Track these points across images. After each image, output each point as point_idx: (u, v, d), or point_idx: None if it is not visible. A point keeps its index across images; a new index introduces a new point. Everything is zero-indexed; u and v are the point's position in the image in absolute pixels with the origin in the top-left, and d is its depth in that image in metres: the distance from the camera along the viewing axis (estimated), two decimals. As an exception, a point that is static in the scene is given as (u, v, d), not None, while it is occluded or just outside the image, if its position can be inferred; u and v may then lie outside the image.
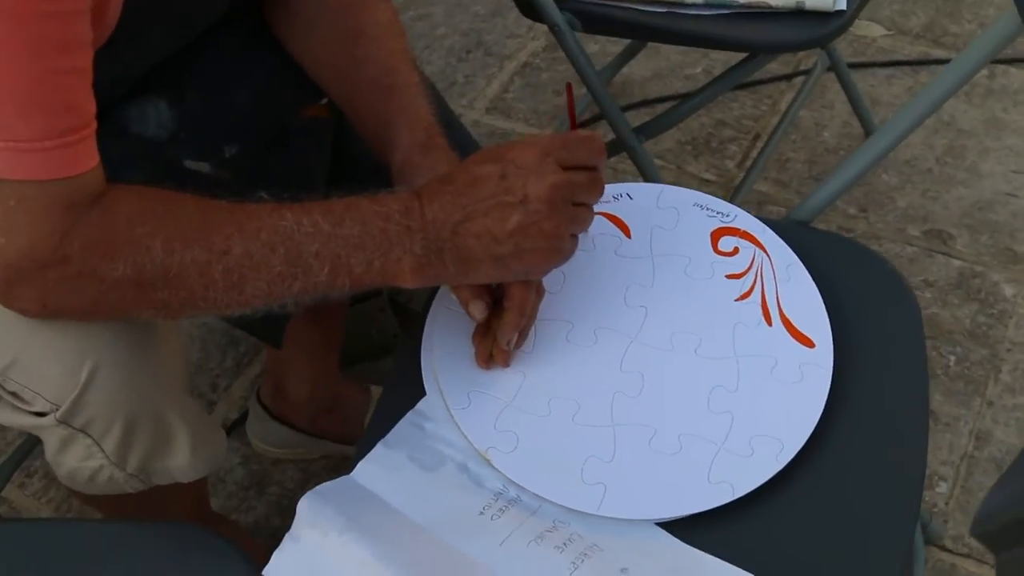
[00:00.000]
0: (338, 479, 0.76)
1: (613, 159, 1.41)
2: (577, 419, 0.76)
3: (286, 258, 0.69)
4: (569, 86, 0.81)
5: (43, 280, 0.68)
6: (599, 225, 0.84)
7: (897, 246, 1.53)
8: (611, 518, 0.71)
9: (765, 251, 0.85)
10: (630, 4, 1.13)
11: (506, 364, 0.79)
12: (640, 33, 1.18)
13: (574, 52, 1.17)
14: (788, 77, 1.82)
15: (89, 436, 0.78)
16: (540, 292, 0.80)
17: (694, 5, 1.11)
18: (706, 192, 0.89)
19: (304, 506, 0.73)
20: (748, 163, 1.66)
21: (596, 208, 0.77)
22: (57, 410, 0.75)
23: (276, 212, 0.70)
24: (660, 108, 1.80)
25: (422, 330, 0.83)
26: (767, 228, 0.86)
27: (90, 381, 0.74)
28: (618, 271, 0.85)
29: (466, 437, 0.76)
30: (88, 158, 0.67)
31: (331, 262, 0.70)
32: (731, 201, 0.88)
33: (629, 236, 0.87)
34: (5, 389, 0.77)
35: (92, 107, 0.68)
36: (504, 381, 0.79)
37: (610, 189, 0.91)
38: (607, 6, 1.14)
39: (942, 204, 1.60)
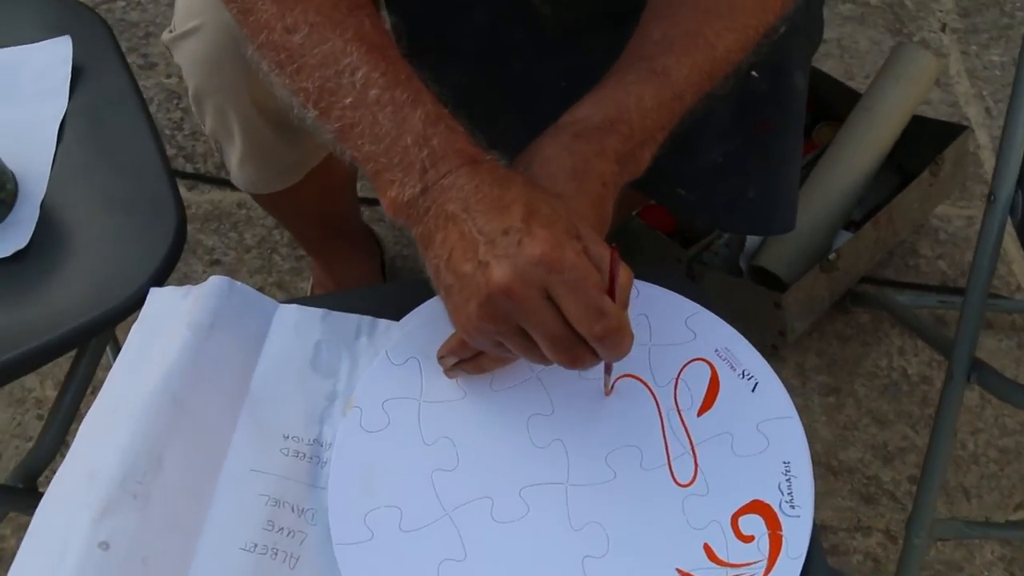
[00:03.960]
0: (262, 296, 0.74)
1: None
2: None
3: (319, 86, 0.63)
4: (615, 250, 0.61)
5: None
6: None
7: None
8: None
9: (770, 571, 0.63)
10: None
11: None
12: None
13: (991, 230, 0.88)
14: None
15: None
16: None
17: None
18: None
19: (213, 282, 0.72)
20: None
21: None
22: (171, 35, 0.80)
23: (354, 42, 0.63)
24: None
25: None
26: (801, 559, 0.63)
27: (186, 35, 0.78)
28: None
29: None
30: None
31: (346, 125, 0.63)
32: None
33: (701, 413, 0.69)
34: None
35: None
36: None
37: (750, 359, 0.72)
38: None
39: None
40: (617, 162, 0.66)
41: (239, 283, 0.73)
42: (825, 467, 1.26)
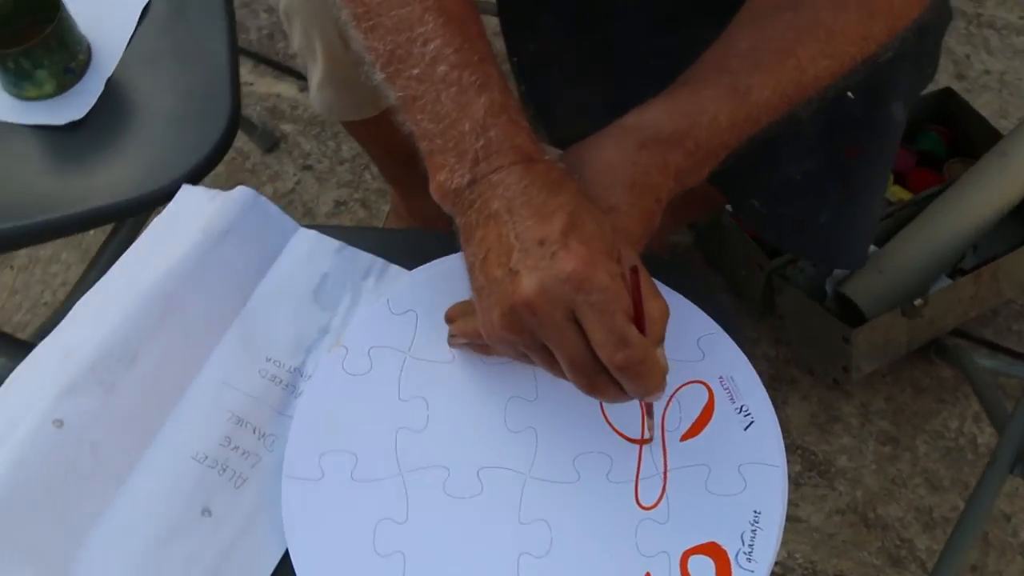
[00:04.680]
0: (284, 216, 0.73)
1: None
2: None
3: (389, 50, 0.61)
4: (635, 273, 0.56)
5: None
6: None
7: None
8: None
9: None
10: None
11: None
12: None
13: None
14: None
15: None
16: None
17: None
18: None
19: (239, 191, 0.73)
20: None
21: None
22: None
23: (433, 11, 0.60)
24: None
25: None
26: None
27: None
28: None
29: None
30: None
31: (409, 96, 0.61)
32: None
33: (685, 439, 0.65)
34: None
35: None
36: (381, 572, 0.61)
37: (754, 395, 0.67)
38: None
39: None
40: (676, 178, 0.62)
41: (264, 198, 0.73)
42: (860, 517, 1.19)
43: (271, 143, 1.60)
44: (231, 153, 1.64)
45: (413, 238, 0.75)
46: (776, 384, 1.29)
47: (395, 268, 0.72)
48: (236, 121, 0.79)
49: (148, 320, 0.65)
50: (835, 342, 1.15)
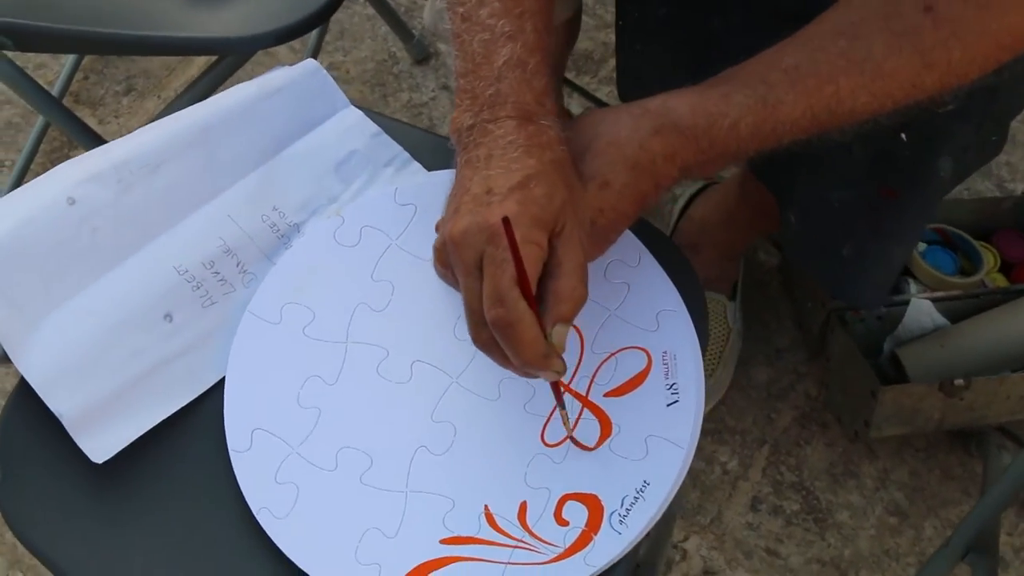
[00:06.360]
0: (338, 91, 0.78)
1: None
2: (366, 479, 0.65)
3: None
4: (507, 224, 0.58)
5: None
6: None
7: None
8: None
9: (557, 562, 0.62)
10: None
11: None
12: None
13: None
14: None
15: None
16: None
17: None
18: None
19: (305, 62, 0.78)
20: None
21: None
22: None
23: None
24: None
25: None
26: (594, 570, 0.62)
27: None
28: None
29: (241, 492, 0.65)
30: None
31: (455, 31, 0.65)
32: None
33: (607, 396, 0.68)
34: None
35: None
36: (295, 420, 0.67)
37: (689, 379, 0.69)
38: None
39: None
40: (681, 169, 0.64)
41: (324, 71, 0.78)
42: (840, 573, 1.17)
43: (423, 56, 1.67)
44: (383, 54, 1.73)
45: (445, 146, 0.79)
46: (806, 423, 1.27)
47: (416, 165, 0.77)
48: (331, 9, 0.86)
49: (178, 140, 0.72)
50: (864, 394, 1.13)
